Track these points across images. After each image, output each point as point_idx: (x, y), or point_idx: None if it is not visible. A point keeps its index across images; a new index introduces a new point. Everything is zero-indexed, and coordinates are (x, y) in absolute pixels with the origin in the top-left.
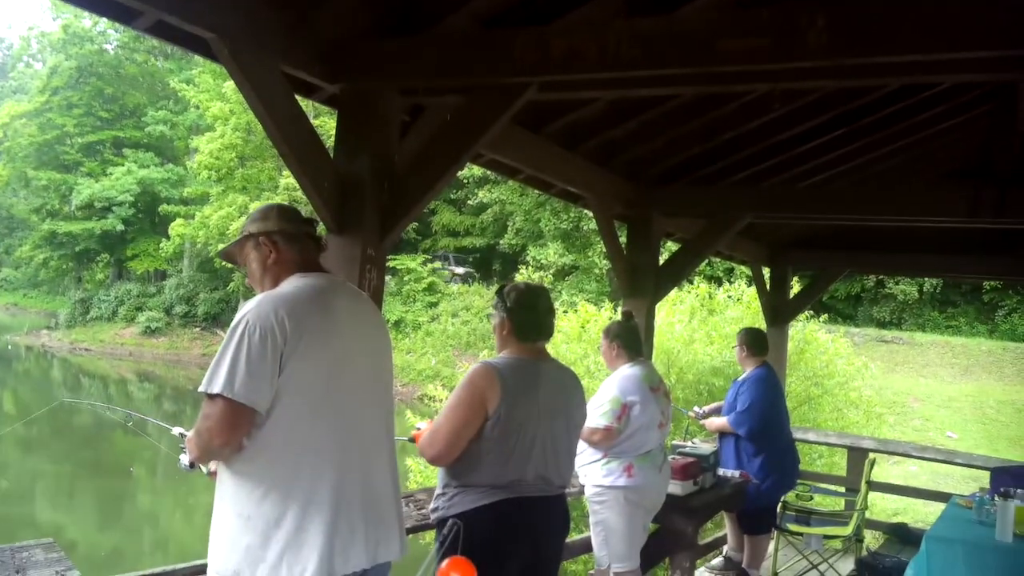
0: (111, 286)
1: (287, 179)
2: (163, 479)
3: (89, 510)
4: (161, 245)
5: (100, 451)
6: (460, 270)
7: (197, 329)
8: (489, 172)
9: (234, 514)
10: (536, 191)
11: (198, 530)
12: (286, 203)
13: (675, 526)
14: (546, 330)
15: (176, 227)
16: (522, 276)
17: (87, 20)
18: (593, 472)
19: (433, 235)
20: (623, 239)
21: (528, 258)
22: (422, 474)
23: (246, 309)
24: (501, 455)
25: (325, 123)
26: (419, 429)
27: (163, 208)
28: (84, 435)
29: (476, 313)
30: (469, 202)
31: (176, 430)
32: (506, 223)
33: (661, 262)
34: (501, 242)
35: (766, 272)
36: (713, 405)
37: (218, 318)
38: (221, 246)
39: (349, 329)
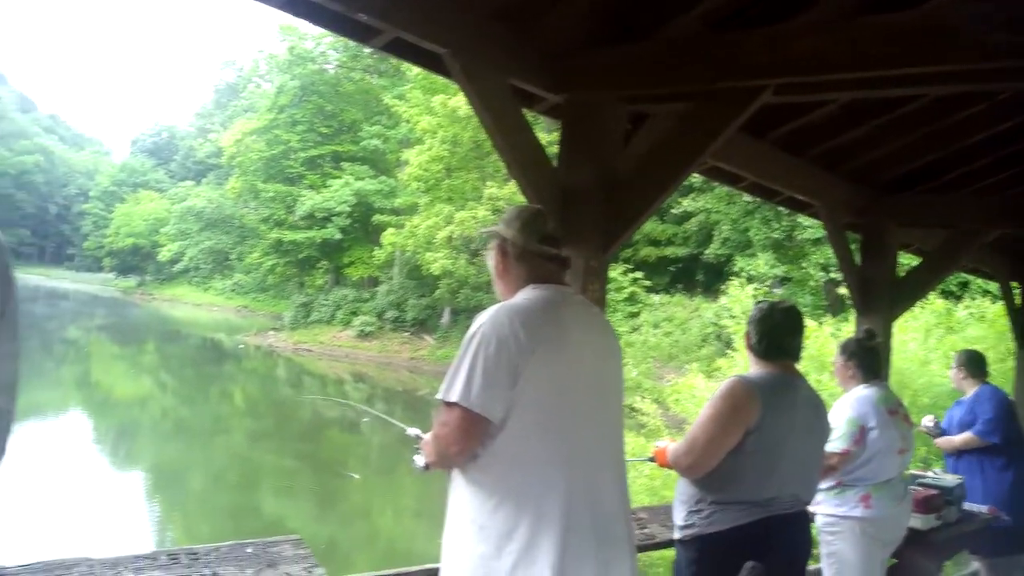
0: (329, 291)
1: (490, 189)
2: (376, 477)
3: (307, 502)
4: (374, 253)
5: (319, 446)
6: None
7: (406, 334)
8: (694, 179)
9: (468, 521)
10: (746, 199)
11: (407, 529)
12: (539, 208)
13: (915, 563)
14: (791, 350)
15: (387, 236)
16: (735, 288)
17: (310, 42)
18: (826, 500)
19: (634, 244)
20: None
21: (736, 269)
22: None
23: (482, 320)
24: (760, 471)
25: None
26: (658, 447)
27: (376, 218)
28: (304, 431)
29: (678, 324)
30: (672, 211)
31: (412, 431)
32: (711, 232)
33: (898, 275)
34: (706, 252)
35: (1015, 287)
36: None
37: (425, 323)
38: (429, 254)
39: (581, 342)
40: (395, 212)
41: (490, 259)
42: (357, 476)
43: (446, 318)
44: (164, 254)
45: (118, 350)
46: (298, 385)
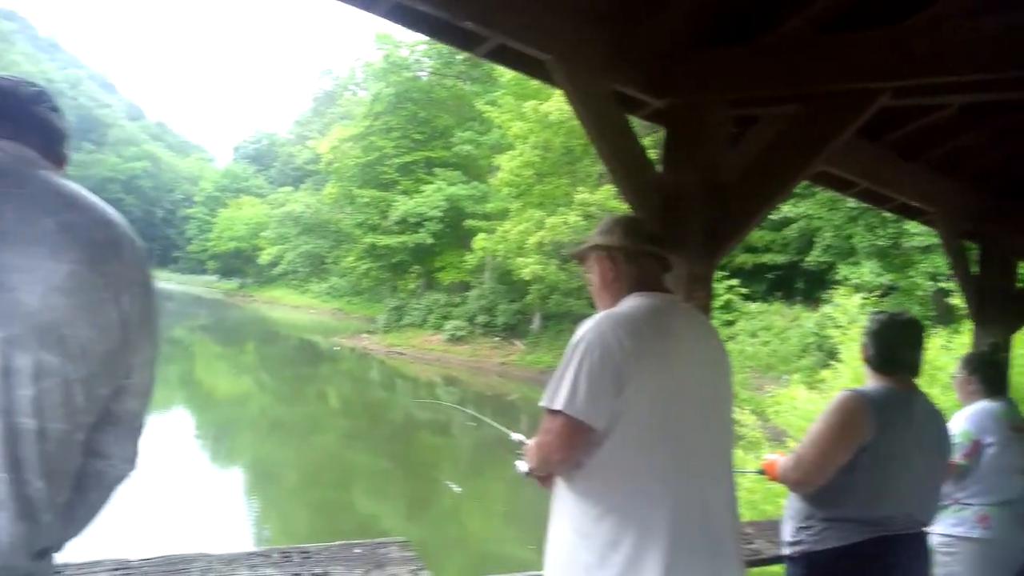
0: (421, 295)
1: (581, 194)
2: (467, 480)
3: (400, 503)
4: (465, 258)
5: (412, 448)
6: None
7: (496, 339)
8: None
9: (571, 530)
10: (850, 204)
11: (497, 532)
12: (634, 215)
13: None
14: (910, 364)
15: (478, 241)
16: (841, 296)
17: (405, 50)
18: (942, 519)
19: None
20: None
21: (839, 277)
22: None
23: (586, 328)
24: (873, 489)
25: None
26: (768, 460)
27: (467, 223)
28: (397, 432)
29: (777, 333)
30: (771, 216)
31: (516, 437)
32: (812, 239)
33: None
34: (806, 259)
35: None
36: None
37: (515, 329)
38: (520, 259)
39: (688, 351)
40: (486, 217)
41: (593, 272)
42: (458, 488)
43: (536, 323)
44: (264, 257)
45: (220, 350)
46: (391, 387)
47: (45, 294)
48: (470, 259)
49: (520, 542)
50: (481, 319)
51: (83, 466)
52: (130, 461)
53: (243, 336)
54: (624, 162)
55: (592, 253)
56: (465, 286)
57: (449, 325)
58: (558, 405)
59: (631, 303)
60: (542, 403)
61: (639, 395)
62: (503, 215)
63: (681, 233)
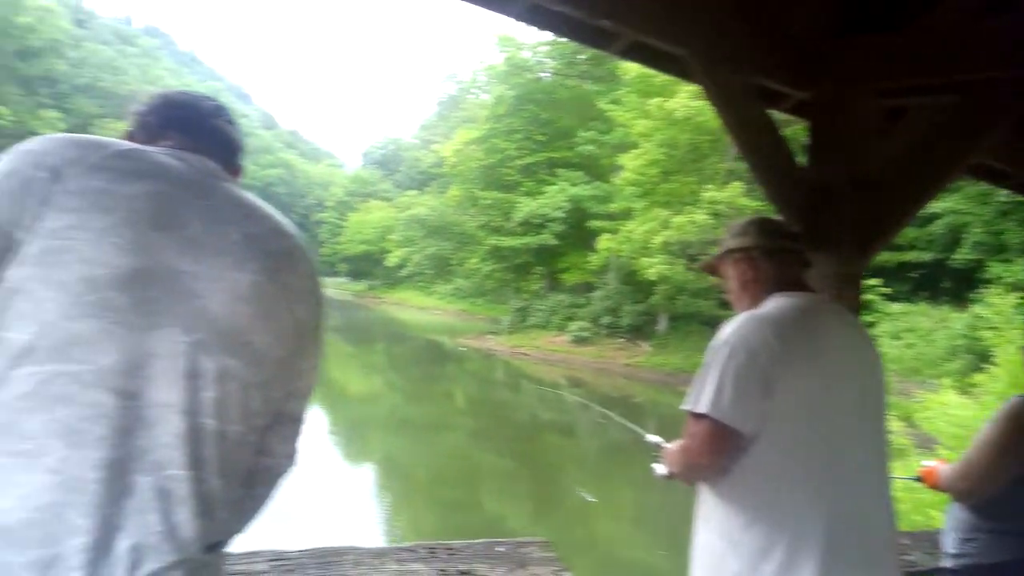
0: (545, 296)
1: (709, 192)
2: (593, 482)
3: (527, 502)
4: (589, 258)
5: (537, 448)
6: None
7: (621, 340)
8: None
9: (719, 536)
10: (1002, 198)
11: (625, 535)
12: (768, 216)
13: None
14: None
15: (602, 241)
16: (993, 296)
17: (527, 52)
18: None
19: None
20: None
21: (990, 275)
22: None
23: (729, 329)
24: None
25: None
26: (926, 467)
27: (590, 223)
28: (523, 432)
29: (922, 335)
30: None
31: (651, 439)
32: (959, 235)
33: None
34: (953, 257)
35: None
36: None
37: (640, 330)
38: (645, 259)
39: (838, 352)
40: (610, 217)
41: (729, 277)
42: (592, 499)
43: (662, 324)
44: (391, 259)
45: (351, 350)
46: (516, 388)
47: (229, 302)
48: (594, 260)
49: (648, 547)
50: (606, 320)
51: (252, 464)
52: (291, 457)
53: (372, 336)
54: (766, 158)
55: (727, 259)
56: (589, 287)
57: (573, 326)
58: (702, 408)
59: (775, 303)
60: (684, 406)
61: (788, 398)
62: (627, 215)
63: (828, 231)
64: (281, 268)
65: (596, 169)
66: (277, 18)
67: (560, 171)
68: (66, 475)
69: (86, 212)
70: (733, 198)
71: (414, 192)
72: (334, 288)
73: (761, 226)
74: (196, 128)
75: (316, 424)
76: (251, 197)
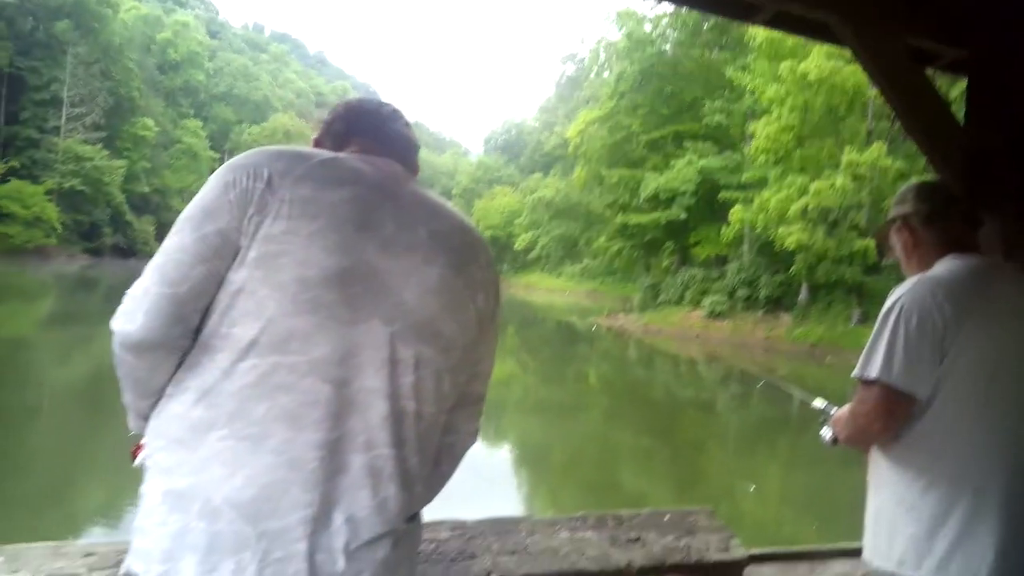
0: (676, 272)
1: (849, 155)
2: (736, 459)
3: (667, 479)
4: (721, 231)
5: (675, 424)
6: None
7: (759, 313)
8: None
9: (894, 502)
10: None
11: (772, 512)
12: (926, 180)
13: None
14: None
15: (735, 213)
16: None
17: (648, 25)
18: None
19: None
20: None
21: None
22: None
23: (900, 292)
24: None
25: None
26: None
27: (722, 195)
28: (660, 409)
29: None
30: None
31: (818, 403)
32: None
33: None
34: None
35: None
36: None
37: (780, 302)
38: (782, 229)
39: (1012, 313)
40: (742, 188)
41: (896, 246)
42: (753, 487)
43: (803, 295)
44: (519, 243)
45: None
46: (650, 366)
47: (421, 295)
48: (727, 232)
49: (797, 523)
50: (742, 293)
51: (439, 441)
52: (473, 435)
53: (503, 320)
54: (924, 120)
55: (892, 228)
56: (723, 260)
57: (707, 301)
58: (873, 374)
59: (946, 265)
60: (855, 373)
61: (961, 361)
62: (761, 184)
63: (991, 192)
64: (464, 262)
65: (726, 139)
66: (400, 14)
67: (688, 144)
68: (289, 455)
69: (296, 218)
70: (875, 159)
71: (538, 175)
72: None
73: (918, 191)
74: (378, 132)
75: None
76: (435, 196)
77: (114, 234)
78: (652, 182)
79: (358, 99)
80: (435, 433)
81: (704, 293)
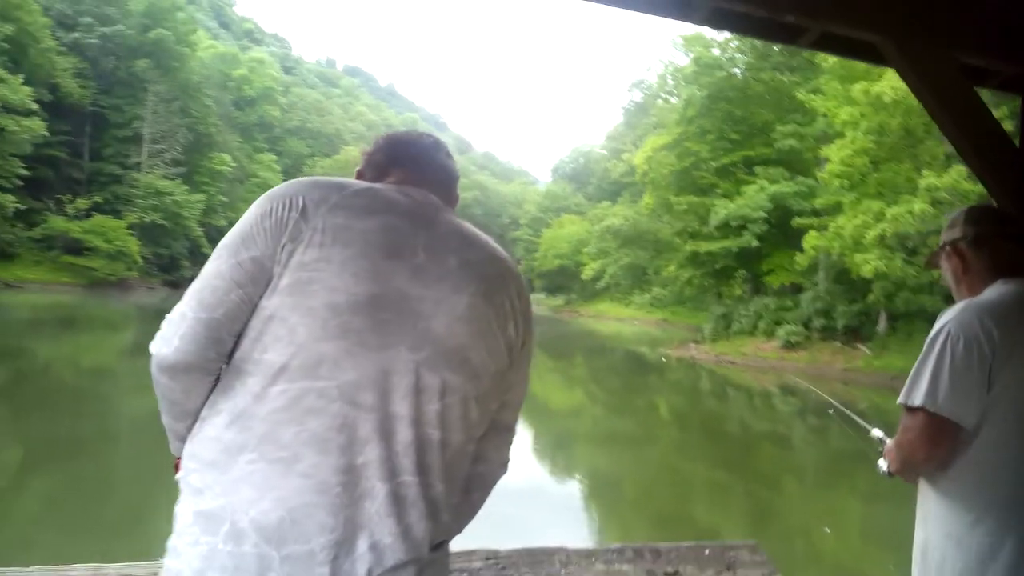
0: (749, 300)
1: (927, 179)
2: (815, 492)
3: (740, 514)
4: (795, 258)
5: (750, 458)
6: None
7: (836, 343)
8: None
9: (942, 535)
10: None
11: (853, 550)
12: (980, 203)
13: None
14: None
15: (809, 239)
16: None
17: (716, 50)
18: None
19: None
20: None
21: None
22: None
23: (947, 317)
24: None
25: None
26: None
27: (795, 221)
28: (733, 442)
29: None
30: None
31: (876, 433)
32: None
33: None
34: None
35: None
36: None
37: (858, 331)
38: (858, 256)
39: None
40: (816, 213)
41: (946, 273)
42: (827, 530)
43: (882, 324)
44: (587, 272)
45: (552, 364)
46: (723, 397)
47: (449, 323)
48: (801, 259)
49: (879, 562)
50: (818, 322)
51: (469, 470)
52: (504, 465)
53: (572, 350)
54: (976, 140)
55: (942, 254)
56: (797, 288)
57: (782, 331)
58: (917, 401)
59: (996, 290)
60: (900, 400)
61: (1010, 389)
62: (835, 210)
63: None
64: (494, 291)
65: (798, 164)
66: (469, 46)
67: (759, 169)
68: (316, 479)
69: (329, 247)
70: (955, 183)
71: (606, 203)
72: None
73: (968, 215)
74: (418, 163)
75: (521, 437)
76: (468, 226)
77: (192, 266)
78: (722, 209)
79: (402, 131)
80: (463, 462)
81: (778, 322)
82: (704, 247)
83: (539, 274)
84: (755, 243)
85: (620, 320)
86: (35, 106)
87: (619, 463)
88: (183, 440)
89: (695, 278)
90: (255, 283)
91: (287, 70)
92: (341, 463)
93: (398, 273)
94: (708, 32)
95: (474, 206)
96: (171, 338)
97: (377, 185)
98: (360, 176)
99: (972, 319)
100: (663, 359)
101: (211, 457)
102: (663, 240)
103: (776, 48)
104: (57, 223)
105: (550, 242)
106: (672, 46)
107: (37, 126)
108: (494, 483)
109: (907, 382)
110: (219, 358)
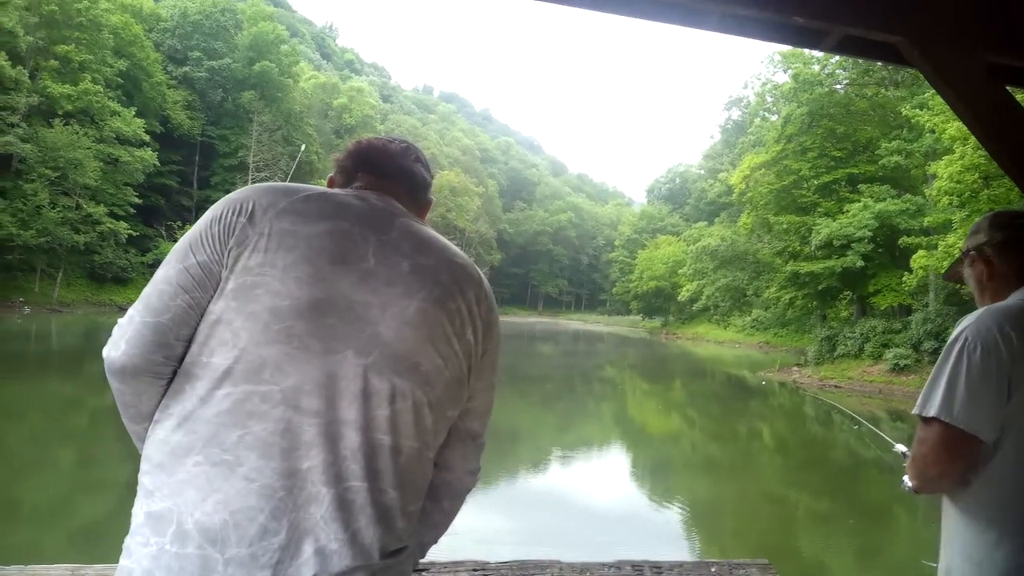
0: (855, 323)
1: None
2: (925, 526)
3: (846, 549)
4: (903, 279)
5: (856, 487)
6: None
7: None
8: None
9: (963, 557)
10: None
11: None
12: (1008, 208)
13: None
14: None
15: (918, 259)
16: None
17: (816, 65)
18: None
19: None
20: None
21: None
22: None
23: (965, 323)
24: None
25: None
26: None
27: (902, 240)
28: (838, 471)
29: None
30: None
31: (899, 448)
32: None
33: None
34: None
35: None
36: None
37: None
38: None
39: None
40: (924, 232)
41: (970, 280)
42: (933, 564)
43: None
44: (683, 294)
45: (648, 387)
46: (827, 423)
47: (398, 328)
48: (909, 280)
49: None
50: (928, 345)
51: (434, 478)
52: (473, 474)
53: (669, 373)
54: (1008, 141)
55: (965, 260)
56: (906, 310)
57: (890, 354)
58: (931, 412)
59: (1019, 296)
60: (915, 411)
61: None
62: (945, 228)
63: None
64: (449, 296)
65: (905, 181)
66: (565, 68)
67: (863, 187)
68: (259, 483)
69: (274, 251)
70: None
71: (703, 224)
72: (628, 327)
73: (992, 220)
74: (383, 168)
75: (618, 464)
76: (427, 231)
77: None
78: (824, 228)
79: (373, 137)
80: (420, 468)
81: (886, 345)
82: (806, 268)
83: (635, 296)
84: (860, 263)
85: (719, 343)
86: (147, 137)
87: (717, 490)
88: (143, 441)
89: (797, 299)
90: (202, 288)
91: (385, 98)
92: (284, 467)
93: (344, 278)
94: (807, 49)
95: (569, 228)
96: (119, 341)
97: (333, 190)
98: (331, 182)
99: (990, 325)
100: (764, 383)
101: (160, 459)
102: (762, 261)
103: (879, 64)
104: (168, 249)
105: (645, 263)
106: (770, 64)
107: (149, 156)
108: (465, 491)
109: (923, 392)
110: (167, 362)
